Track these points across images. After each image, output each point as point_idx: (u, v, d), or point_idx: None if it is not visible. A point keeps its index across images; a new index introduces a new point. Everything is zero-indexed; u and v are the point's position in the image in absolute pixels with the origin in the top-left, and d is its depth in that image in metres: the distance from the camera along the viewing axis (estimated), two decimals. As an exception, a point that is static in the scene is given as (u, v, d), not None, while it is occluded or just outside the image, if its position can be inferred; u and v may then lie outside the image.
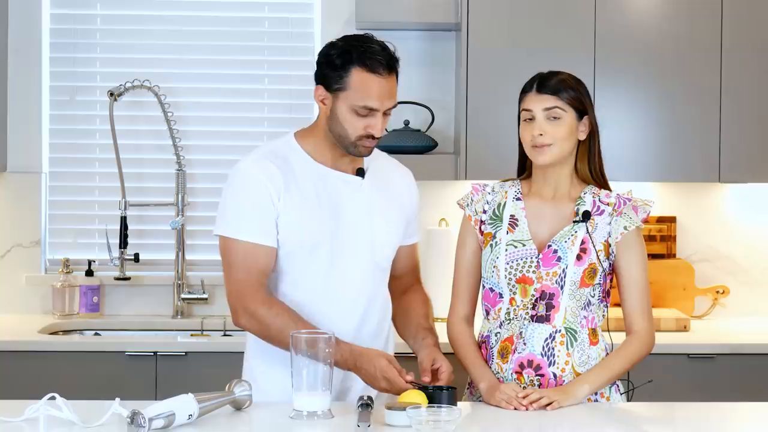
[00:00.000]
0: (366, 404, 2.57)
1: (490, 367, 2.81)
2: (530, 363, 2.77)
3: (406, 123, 4.25)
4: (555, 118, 2.77)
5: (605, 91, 4.01)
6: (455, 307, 2.91)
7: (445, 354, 2.84)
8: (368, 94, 2.75)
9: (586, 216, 2.80)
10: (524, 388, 2.73)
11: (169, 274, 4.36)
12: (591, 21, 4.03)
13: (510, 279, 2.79)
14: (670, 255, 4.39)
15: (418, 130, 4.23)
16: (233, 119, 4.44)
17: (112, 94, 4.21)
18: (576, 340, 2.78)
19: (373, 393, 2.75)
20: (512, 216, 2.84)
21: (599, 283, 2.81)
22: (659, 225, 4.39)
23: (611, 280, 2.86)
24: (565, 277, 2.77)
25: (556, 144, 2.76)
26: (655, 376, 3.19)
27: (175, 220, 4.29)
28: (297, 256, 2.83)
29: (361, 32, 2.89)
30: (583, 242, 2.78)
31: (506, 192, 2.88)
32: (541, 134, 2.76)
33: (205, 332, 4.26)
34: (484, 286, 2.86)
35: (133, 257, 4.27)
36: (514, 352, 2.79)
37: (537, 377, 2.77)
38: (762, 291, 4.41)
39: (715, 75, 4.05)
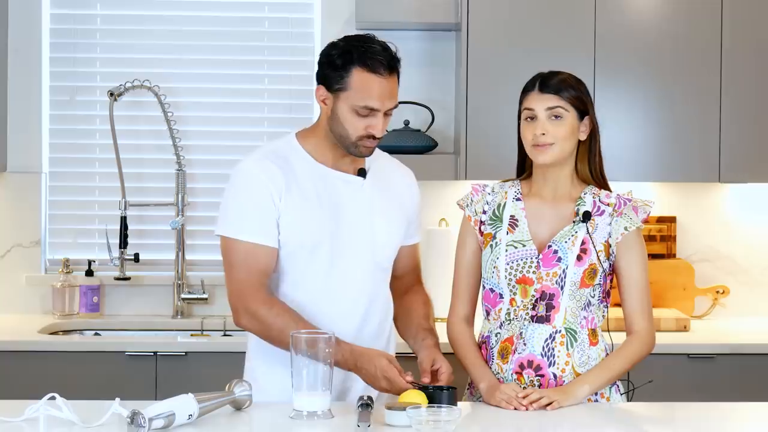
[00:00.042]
0: (366, 404, 2.57)
1: (490, 368, 2.81)
2: (530, 363, 2.77)
3: (406, 123, 4.25)
4: (557, 117, 2.77)
5: (605, 91, 4.01)
6: (455, 307, 2.91)
7: (445, 354, 2.84)
8: (369, 94, 2.75)
9: (587, 216, 2.80)
10: (524, 388, 2.73)
11: (169, 274, 4.36)
12: (591, 21, 4.03)
13: (510, 279, 2.79)
14: (670, 255, 4.39)
15: (418, 130, 4.23)
16: (233, 119, 4.44)
17: (112, 94, 4.21)
18: (576, 340, 2.78)
19: (374, 393, 2.75)
20: (512, 216, 2.84)
21: (599, 284, 2.81)
22: (659, 225, 4.39)
23: (611, 281, 2.86)
24: (565, 277, 2.77)
25: (557, 144, 2.76)
26: (655, 376, 3.19)
27: (175, 220, 4.29)
28: (298, 256, 2.83)
29: (361, 32, 2.89)
30: (583, 243, 2.78)
31: (506, 192, 2.88)
32: (544, 133, 2.76)
33: (205, 332, 4.26)
34: (484, 287, 2.86)
35: (133, 257, 4.27)
36: (515, 352, 2.79)
37: (537, 377, 2.77)
38: (762, 291, 4.41)
39: (715, 75, 4.05)
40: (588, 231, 2.79)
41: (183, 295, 4.31)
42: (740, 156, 4.07)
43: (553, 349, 2.77)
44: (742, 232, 4.42)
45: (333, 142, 2.84)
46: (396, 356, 2.85)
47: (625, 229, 2.80)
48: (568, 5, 4.04)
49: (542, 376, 2.77)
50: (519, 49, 4.03)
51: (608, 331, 2.88)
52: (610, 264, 2.82)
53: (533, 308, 2.79)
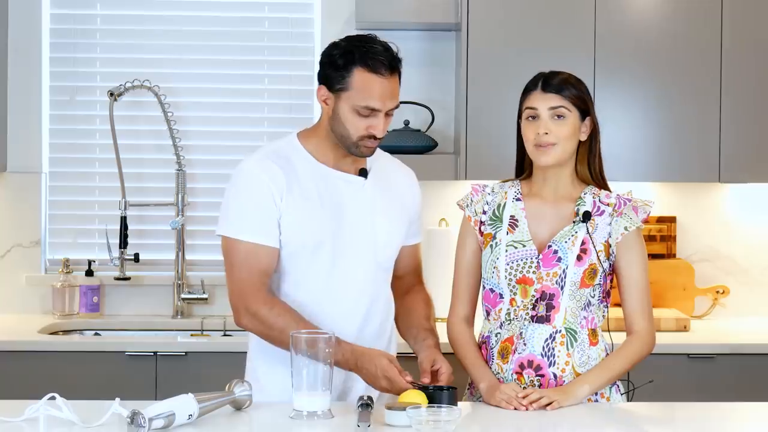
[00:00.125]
0: (366, 404, 2.57)
1: (491, 368, 2.81)
2: (530, 363, 2.77)
3: (406, 123, 4.25)
4: (559, 117, 2.77)
5: (605, 91, 4.01)
6: (455, 307, 2.91)
7: (445, 354, 2.84)
8: (370, 94, 2.75)
9: (587, 216, 2.80)
10: (524, 388, 2.73)
11: (169, 274, 4.36)
12: (591, 21, 4.03)
13: (510, 279, 2.79)
14: (670, 255, 4.39)
15: (418, 130, 4.23)
16: (233, 119, 4.44)
17: (112, 94, 4.21)
18: (576, 340, 2.78)
19: (374, 393, 2.75)
20: (512, 216, 2.84)
21: (599, 284, 2.81)
22: (659, 225, 4.39)
23: (611, 281, 2.86)
24: (565, 277, 2.77)
25: (559, 144, 2.76)
26: (655, 376, 3.19)
27: (175, 220, 4.29)
28: (299, 256, 2.83)
29: (361, 32, 2.89)
30: (583, 243, 2.78)
31: (506, 192, 2.88)
32: (546, 132, 2.75)
33: (205, 332, 4.26)
34: (484, 287, 2.86)
35: (133, 257, 4.27)
36: (515, 352, 2.79)
37: (537, 377, 2.77)
38: (762, 291, 4.41)
39: (715, 75, 4.05)
40: (588, 231, 2.79)
41: (183, 295, 4.31)
42: (740, 156, 4.07)
43: (553, 349, 2.77)
44: (742, 232, 4.42)
45: (334, 142, 2.84)
46: (397, 356, 2.85)
47: (625, 229, 2.80)
48: (568, 5, 4.04)
49: (542, 376, 2.77)
50: (519, 49, 4.03)
51: (608, 331, 2.88)
52: (610, 264, 2.82)
53: (533, 308, 2.79)
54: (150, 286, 4.37)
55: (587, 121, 2.81)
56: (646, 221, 2.85)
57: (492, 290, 2.83)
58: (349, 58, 2.76)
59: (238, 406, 2.61)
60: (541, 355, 2.77)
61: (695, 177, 4.17)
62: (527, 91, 2.82)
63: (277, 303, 2.80)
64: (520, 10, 4.04)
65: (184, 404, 2.46)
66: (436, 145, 4.21)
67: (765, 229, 4.42)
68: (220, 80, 4.43)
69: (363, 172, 2.89)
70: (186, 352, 3.82)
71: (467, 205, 2.91)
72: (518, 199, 2.86)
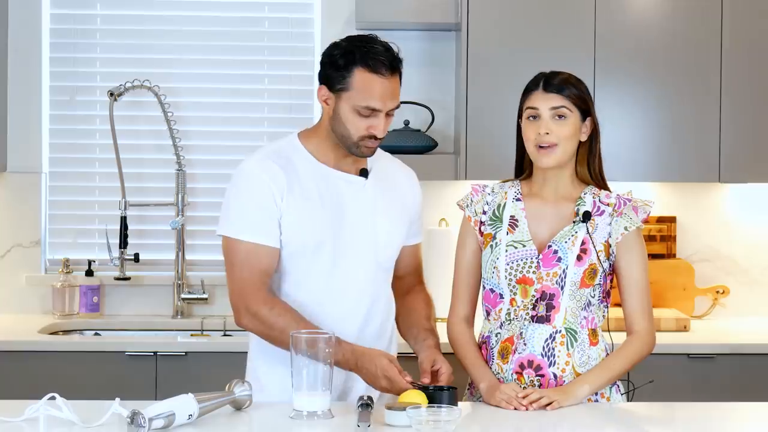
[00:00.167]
0: (366, 404, 2.57)
1: (491, 368, 2.81)
2: (530, 363, 2.77)
3: (406, 123, 4.25)
4: (560, 117, 2.77)
5: (605, 91, 4.01)
6: (455, 307, 2.91)
7: (445, 354, 2.84)
8: (371, 94, 2.75)
9: (587, 216, 2.80)
10: (524, 388, 2.73)
11: (169, 274, 4.36)
12: (591, 21, 4.03)
13: (510, 280, 2.79)
14: (670, 255, 4.39)
15: (418, 130, 4.23)
16: (233, 119, 4.44)
17: (112, 94, 4.21)
18: (576, 340, 2.78)
19: (374, 393, 2.75)
20: (512, 217, 2.84)
21: (599, 284, 2.81)
22: (659, 225, 4.39)
23: (611, 281, 2.86)
24: (565, 277, 2.77)
25: (560, 144, 2.76)
26: (655, 376, 3.19)
27: (175, 220, 4.29)
28: (300, 256, 2.83)
29: (361, 32, 2.89)
30: (583, 243, 2.78)
31: (506, 193, 2.88)
32: (548, 132, 2.75)
33: (205, 332, 4.26)
34: (484, 287, 2.86)
35: (133, 257, 4.27)
36: (515, 352, 2.79)
37: (537, 377, 2.77)
38: (762, 291, 4.41)
39: (715, 75, 4.05)
40: (588, 231, 2.79)
41: (183, 295, 4.31)
42: (740, 156, 4.07)
43: (553, 349, 2.77)
44: (742, 232, 4.42)
45: (335, 142, 2.84)
46: (397, 356, 2.85)
47: (625, 229, 2.80)
48: (568, 5, 4.04)
49: (542, 376, 2.77)
50: (519, 49, 4.03)
51: (608, 331, 2.88)
52: (610, 264, 2.82)
53: (533, 308, 2.79)
54: (150, 286, 4.37)
55: (588, 121, 2.81)
56: (646, 221, 2.85)
57: (492, 290, 2.83)
58: (350, 58, 2.76)
59: (238, 406, 2.61)
60: (541, 355, 2.77)
61: (695, 177, 4.17)
62: (528, 90, 2.82)
63: (277, 303, 2.80)
64: (520, 10, 4.04)
65: (184, 404, 2.46)
66: (436, 145, 4.21)
67: (765, 229, 4.42)
68: (220, 80, 4.43)
69: (364, 173, 2.89)
70: (186, 352, 3.82)
71: (467, 206, 2.91)
72: (518, 199, 2.86)
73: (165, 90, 4.29)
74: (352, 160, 2.88)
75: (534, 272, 2.78)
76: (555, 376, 2.77)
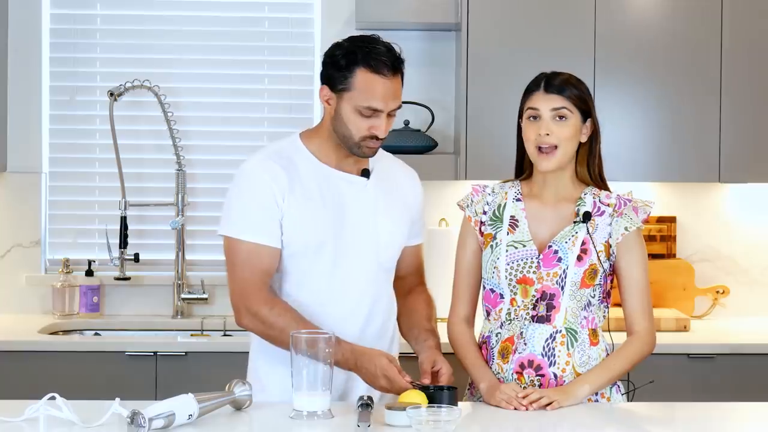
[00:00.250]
0: (366, 404, 2.57)
1: (491, 368, 2.81)
2: (531, 363, 2.77)
3: (406, 123, 4.25)
4: (561, 117, 2.77)
5: (605, 91, 4.01)
6: (455, 307, 2.91)
7: (445, 354, 2.84)
8: (372, 94, 2.75)
9: (587, 217, 2.80)
10: (524, 388, 2.73)
11: (169, 274, 4.36)
12: (591, 21, 4.03)
13: (510, 280, 2.79)
14: (670, 255, 4.39)
15: (418, 130, 4.23)
16: (233, 119, 4.44)
17: (112, 94, 4.21)
18: (576, 340, 2.78)
19: (375, 394, 2.75)
20: (512, 217, 2.84)
21: (600, 284, 2.81)
22: (659, 225, 4.39)
23: (612, 281, 2.86)
24: (565, 277, 2.77)
25: (560, 145, 2.76)
26: (655, 376, 3.19)
27: (175, 220, 4.29)
28: (301, 256, 2.83)
29: (361, 32, 2.89)
30: (583, 243, 2.78)
31: (506, 193, 2.88)
32: (548, 134, 2.75)
33: (205, 332, 4.25)
34: (484, 287, 2.86)
35: (133, 257, 4.27)
36: (515, 352, 2.79)
37: (537, 377, 2.77)
38: (762, 291, 4.41)
39: (715, 75, 4.05)
40: (588, 231, 2.79)
41: (183, 295, 4.31)
42: (740, 156, 4.07)
43: (553, 349, 2.77)
44: (742, 232, 4.42)
45: (336, 142, 2.84)
46: (399, 356, 2.85)
47: (626, 229, 2.80)
48: (568, 5, 4.04)
49: (543, 375, 2.77)
50: (519, 49, 4.03)
51: (609, 331, 2.88)
52: (610, 264, 2.82)
53: (534, 308, 2.79)
54: (150, 286, 4.37)
55: (588, 122, 2.81)
56: (646, 221, 2.85)
57: (492, 290, 2.83)
58: (352, 58, 2.76)
59: (238, 406, 2.61)
60: (542, 355, 2.77)
61: (695, 177, 4.17)
62: (529, 91, 2.82)
63: (278, 303, 2.80)
64: (520, 10, 4.04)
65: (184, 404, 2.46)
66: (436, 145, 4.21)
67: (765, 229, 4.42)
68: (220, 80, 4.43)
69: (365, 173, 2.89)
70: (186, 352, 3.82)
71: (467, 206, 2.91)
72: (518, 200, 2.86)
73: (165, 90, 4.29)
74: (354, 161, 2.88)
75: (534, 272, 2.78)
76: (555, 376, 2.77)
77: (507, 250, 2.81)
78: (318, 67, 2.86)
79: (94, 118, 4.42)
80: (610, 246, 2.81)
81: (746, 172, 4.10)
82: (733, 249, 4.41)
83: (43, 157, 4.39)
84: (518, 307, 2.80)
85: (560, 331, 2.78)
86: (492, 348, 2.83)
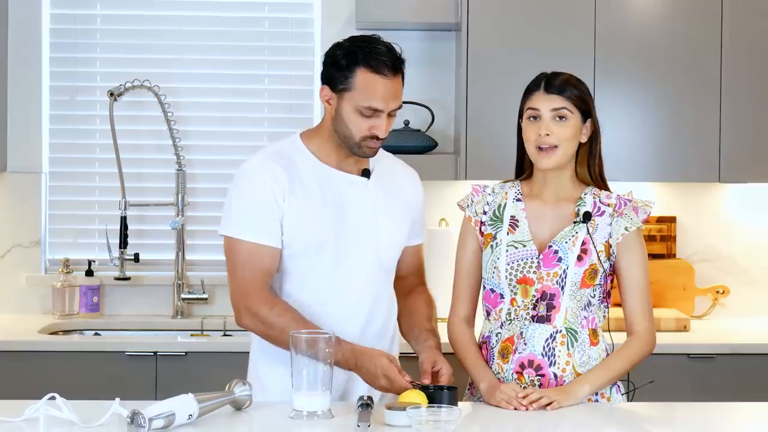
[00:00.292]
0: (366, 404, 2.57)
1: (491, 368, 2.81)
2: (531, 363, 2.77)
3: (406, 123, 4.25)
4: (561, 118, 2.77)
5: (605, 91, 4.01)
6: (456, 307, 2.91)
7: (445, 354, 2.84)
8: (373, 94, 2.75)
9: (587, 217, 2.80)
10: (524, 388, 2.73)
11: (169, 274, 4.36)
12: (591, 21, 4.03)
13: (511, 280, 2.79)
14: (670, 255, 4.39)
15: (418, 130, 4.23)
16: (233, 119, 4.44)
17: (112, 94, 4.21)
18: (576, 340, 2.78)
19: (375, 394, 2.76)
20: (512, 217, 2.84)
21: (600, 284, 2.81)
22: (659, 225, 4.39)
23: (612, 281, 2.86)
24: (565, 277, 2.77)
25: (561, 146, 2.76)
26: (655, 376, 3.19)
27: (175, 220, 4.29)
28: (302, 256, 2.83)
29: (361, 32, 2.89)
30: (583, 243, 2.78)
31: (506, 193, 2.88)
32: (548, 134, 2.75)
33: (205, 332, 4.25)
34: (484, 287, 2.86)
35: (133, 257, 4.27)
36: (515, 352, 2.79)
37: (537, 377, 2.77)
38: (762, 291, 4.41)
39: (715, 75, 4.05)
40: (588, 231, 2.79)
41: (183, 295, 4.31)
42: (740, 156, 4.07)
43: (553, 349, 2.77)
44: (742, 232, 4.42)
45: (337, 142, 2.84)
46: (399, 356, 2.85)
47: (626, 229, 2.80)
48: (568, 5, 4.04)
49: (543, 375, 2.77)
50: (519, 49, 4.03)
51: (609, 331, 2.88)
52: (610, 264, 2.82)
53: (534, 308, 2.79)
54: (150, 286, 4.37)
55: (588, 122, 2.81)
56: (646, 221, 2.85)
57: (492, 290, 2.83)
58: (352, 58, 2.76)
59: (238, 406, 2.61)
60: (542, 354, 2.77)
61: (695, 177, 4.17)
62: (529, 91, 2.82)
63: (278, 303, 2.80)
64: (520, 10, 4.04)
65: (184, 404, 2.46)
66: (436, 145, 4.21)
67: (765, 229, 4.42)
68: (220, 80, 4.43)
69: (366, 173, 2.89)
70: (186, 352, 3.82)
71: (468, 206, 2.91)
72: (518, 200, 2.86)
73: (165, 90, 4.29)
74: (354, 161, 2.88)
75: (534, 272, 2.78)
76: (555, 375, 2.77)
77: (507, 250, 2.81)
78: (318, 67, 2.86)
79: (94, 118, 4.42)
80: (611, 246, 2.81)
81: (746, 172, 4.10)
82: (733, 249, 4.41)
83: (43, 157, 4.39)
84: (518, 307, 2.80)
85: (560, 331, 2.78)
86: (492, 348, 2.83)
